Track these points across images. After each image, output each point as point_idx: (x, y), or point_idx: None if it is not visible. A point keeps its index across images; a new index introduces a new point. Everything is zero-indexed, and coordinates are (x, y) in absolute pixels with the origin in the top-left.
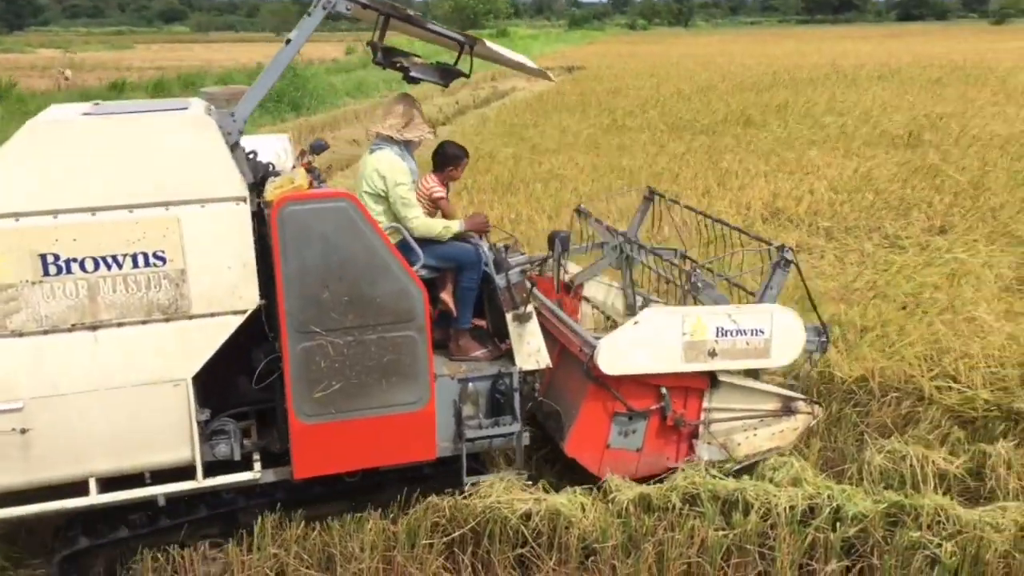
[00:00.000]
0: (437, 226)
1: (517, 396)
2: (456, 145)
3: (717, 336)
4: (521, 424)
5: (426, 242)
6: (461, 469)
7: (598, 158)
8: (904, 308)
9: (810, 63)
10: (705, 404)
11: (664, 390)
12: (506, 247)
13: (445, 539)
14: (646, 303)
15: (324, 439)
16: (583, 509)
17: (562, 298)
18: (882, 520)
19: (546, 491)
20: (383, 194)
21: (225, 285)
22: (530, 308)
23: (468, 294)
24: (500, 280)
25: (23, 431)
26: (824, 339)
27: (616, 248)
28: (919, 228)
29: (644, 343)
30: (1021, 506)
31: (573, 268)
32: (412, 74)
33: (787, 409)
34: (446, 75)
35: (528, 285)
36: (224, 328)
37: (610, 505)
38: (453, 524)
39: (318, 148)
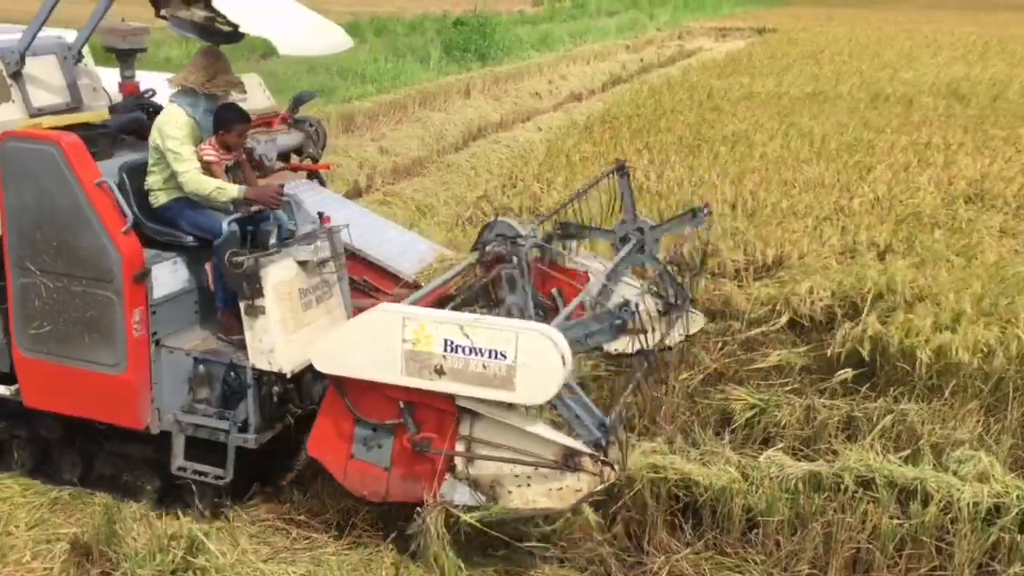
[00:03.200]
0: (209, 185)
1: (252, 393)
2: (230, 109)
3: (445, 350)
4: (243, 424)
5: (185, 205)
6: (173, 451)
7: (787, 124)
8: None
9: None
10: (463, 432)
11: (402, 405)
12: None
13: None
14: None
15: (41, 376)
16: (750, 481)
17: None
18: None
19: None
20: (160, 149)
21: None
22: (262, 302)
23: (220, 271)
24: (243, 266)
25: None
26: (618, 321)
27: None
28: None
29: (360, 343)
30: None
31: (583, 260)
32: (172, 25)
33: (568, 464)
34: (205, 32)
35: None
36: None
37: (778, 480)
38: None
39: (299, 101)
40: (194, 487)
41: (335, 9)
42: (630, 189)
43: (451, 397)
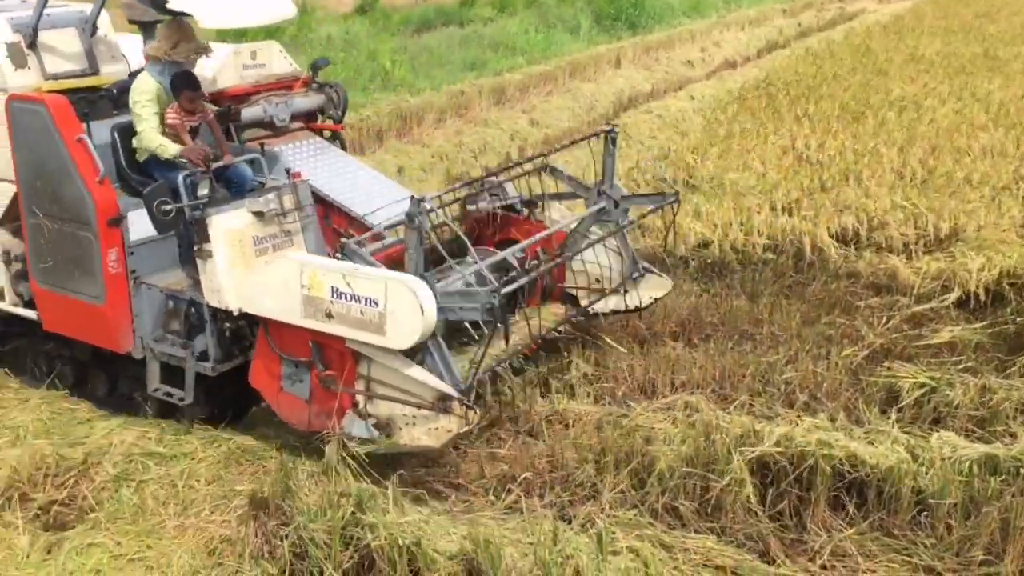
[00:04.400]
0: (155, 142)
1: (208, 327)
2: (179, 77)
3: (332, 296)
4: (203, 354)
5: (159, 160)
6: (148, 374)
7: (960, 87)
8: None
9: None
10: (362, 372)
11: (311, 344)
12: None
13: (752, 455)
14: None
15: (51, 304)
16: (920, 461)
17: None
18: None
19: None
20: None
21: (4, 159)
22: (210, 247)
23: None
24: (187, 215)
25: None
26: (491, 303)
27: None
28: None
29: (270, 287)
30: None
31: (558, 216)
32: (137, 1)
33: (440, 406)
34: (160, 7)
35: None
36: (7, 191)
37: (951, 461)
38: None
39: (316, 67)
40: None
41: None
42: (614, 157)
43: (343, 339)
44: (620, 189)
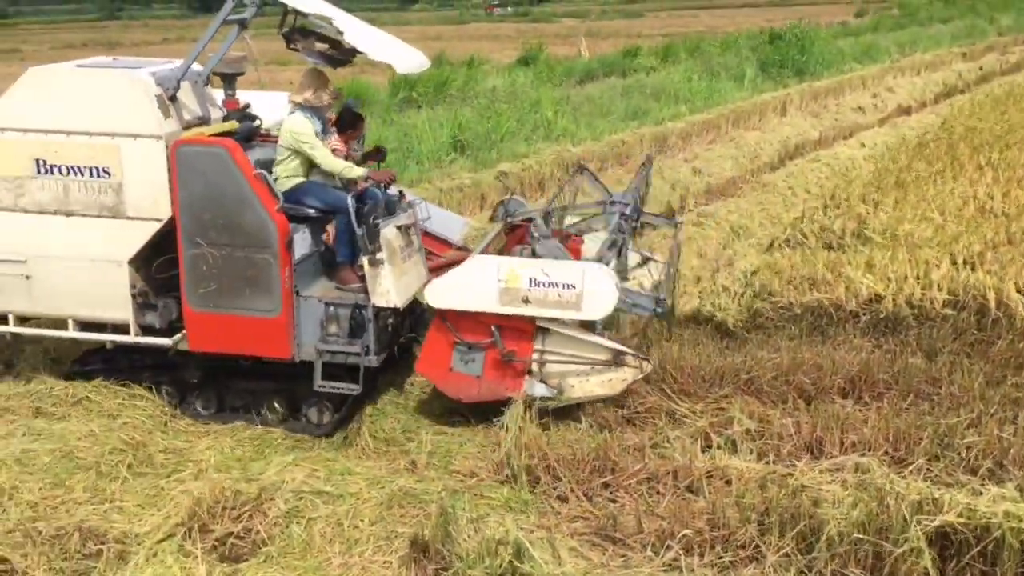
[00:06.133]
0: (339, 165)
1: (372, 326)
2: (352, 113)
3: (530, 285)
4: (367, 349)
5: (310, 187)
6: (315, 373)
7: None
8: None
9: None
10: (537, 346)
11: (494, 327)
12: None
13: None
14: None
15: (207, 324)
16: None
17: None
18: None
19: None
20: (291, 147)
21: (148, 198)
22: (381, 255)
23: (342, 235)
24: (358, 229)
25: (27, 277)
26: (659, 309)
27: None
28: None
29: (466, 284)
30: None
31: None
32: (303, 54)
33: (617, 361)
34: (326, 58)
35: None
36: (148, 229)
37: None
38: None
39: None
40: (312, 416)
41: (647, 32)
42: (648, 180)
43: (532, 319)
44: (641, 209)
